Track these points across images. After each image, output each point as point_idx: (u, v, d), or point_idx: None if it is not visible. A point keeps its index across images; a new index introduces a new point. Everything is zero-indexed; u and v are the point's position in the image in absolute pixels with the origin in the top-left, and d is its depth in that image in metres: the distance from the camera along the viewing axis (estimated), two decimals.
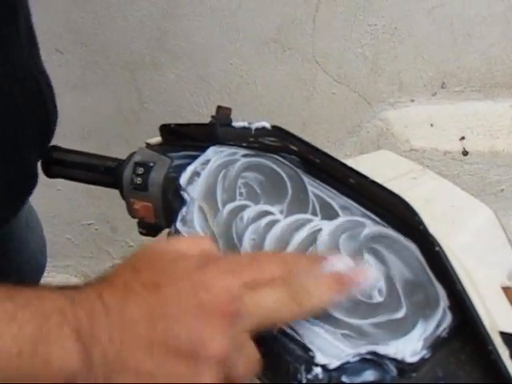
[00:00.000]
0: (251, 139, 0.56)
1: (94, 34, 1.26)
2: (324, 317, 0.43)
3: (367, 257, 0.46)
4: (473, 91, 1.33)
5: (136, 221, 0.61)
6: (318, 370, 0.40)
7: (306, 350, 0.41)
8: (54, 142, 0.70)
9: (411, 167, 0.58)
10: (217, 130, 0.57)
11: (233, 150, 0.56)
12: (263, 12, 1.23)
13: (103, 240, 1.56)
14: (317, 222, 0.50)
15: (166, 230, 0.56)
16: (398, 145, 1.31)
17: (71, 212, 1.50)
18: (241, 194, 0.53)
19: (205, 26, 1.24)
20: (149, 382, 0.35)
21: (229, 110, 0.61)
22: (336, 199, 0.50)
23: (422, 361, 0.40)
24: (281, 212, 0.51)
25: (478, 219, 0.52)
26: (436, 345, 0.40)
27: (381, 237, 0.47)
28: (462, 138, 1.31)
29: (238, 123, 0.57)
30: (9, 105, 0.56)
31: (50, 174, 0.69)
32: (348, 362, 0.40)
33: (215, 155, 0.56)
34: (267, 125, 0.55)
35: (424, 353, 0.40)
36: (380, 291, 0.44)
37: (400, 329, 0.41)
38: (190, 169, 0.55)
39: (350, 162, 0.51)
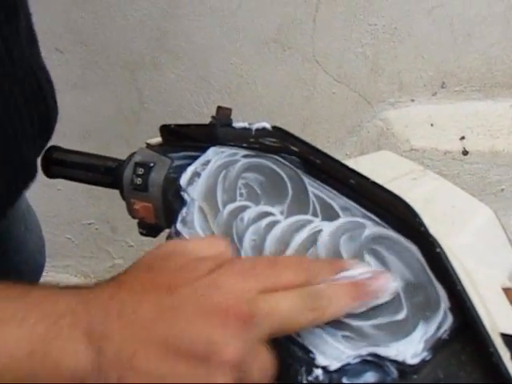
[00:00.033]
0: (251, 140, 0.56)
1: (94, 33, 1.26)
2: None
3: (368, 258, 0.46)
4: (473, 91, 1.33)
5: (136, 221, 0.61)
6: (318, 372, 0.40)
7: (307, 351, 0.41)
8: (54, 141, 0.70)
9: (411, 168, 0.58)
10: (217, 131, 0.57)
11: (233, 150, 0.56)
12: (263, 12, 1.23)
13: (103, 240, 1.56)
14: (317, 222, 0.49)
15: (167, 231, 0.56)
16: (398, 144, 1.31)
17: (71, 212, 1.51)
18: (241, 194, 0.53)
19: (205, 25, 1.24)
20: None
21: (229, 110, 0.61)
22: (336, 200, 0.50)
23: (423, 363, 0.40)
24: (281, 213, 0.51)
25: (479, 219, 0.52)
26: (437, 346, 0.40)
27: (381, 238, 0.47)
28: (462, 138, 1.31)
29: (238, 124, 0.57)
30: (9, 103, 0.56)
31: (50, 175, 0.68)
32: (349, 364, 0.40)
33: (215, 156, 0.56)
34: (268, 125, 0.55)
35: (425, 354, 0.40)
36: None
37: (401, 330, 0.41)
38: (190, 169, 0.55)
39: (350, 163, 0.51)
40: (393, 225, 0.47)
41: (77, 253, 1.58)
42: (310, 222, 0.50)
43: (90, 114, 1.36)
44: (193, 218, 0.52)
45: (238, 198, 0.53)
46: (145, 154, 0.60)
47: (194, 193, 0.54)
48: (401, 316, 0.42)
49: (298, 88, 1.32)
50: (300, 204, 0.51)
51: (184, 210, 0.53)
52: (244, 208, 0.52)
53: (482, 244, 0.49)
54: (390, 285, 0.42)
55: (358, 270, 0.42)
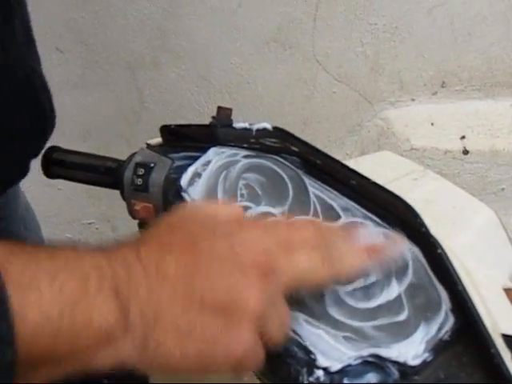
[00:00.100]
0: (252, 140, 0.56)
1: (95, 33, 1.26)
2: (326, 319, 0.43)
3: None
4: (473, 90, 1.32)
5: (137, 221, 0.61)
6: (319, 373, 0.40)
7: (308, 352, 0.41)
8: (54, 141, 0.70)
9: (412, 168, 0.58)
10: (217, 131, 0.57)
11: (234, 151, 0.56)
12: (263, 11, 1.22)
13: (104, 239, 1.56)
14: None
15: None
16: (398, 144, 1.31)
17: (72, 211, 1.50)
18: (242, 195, 0.53)
19: (205, 25, 1.24)
20: (187, 338, 0.35)
21: (229, 110, 0.61)
22: (337, 200, 0.50)
23: (424, 364, 0.40)
24: (282, 213, 0.51)
25: (479, 220, 0.52)
26: (438, 347, 0.40)
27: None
28: (463, 137, 1.30)
29: (238, 124, 0.57)
30: (2, 105, 0.56)
31: (50, 175, 0.68)
32: (350, 365, 0.40)
33: (216, 156, 0.56)
34: (268, 126, 0.55)
35: (426, 355, 0.40)
36: None
37: (402, 331, 0.41)
38: (190, 170, 0.55)
39: (351, 163, 0.51)
40: (393, 225, 0.47)
41: None
42: None
43: (90, 113, 1.36)
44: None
45: (239, 198, 0.53)
46: (145, 154, 0.60)
47: (194, 193, 0.54)
48: (402, 317, 0.42)
49: (298, 87, 1.31)
50: (301, 204, 0.51)
51: None
52: (245, 208, 0.52)
53: (483, 244, 0.49)
54: (401, 249, 0.44)
55: (370, 233, 0.44)
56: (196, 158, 0.56)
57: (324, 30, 1.25)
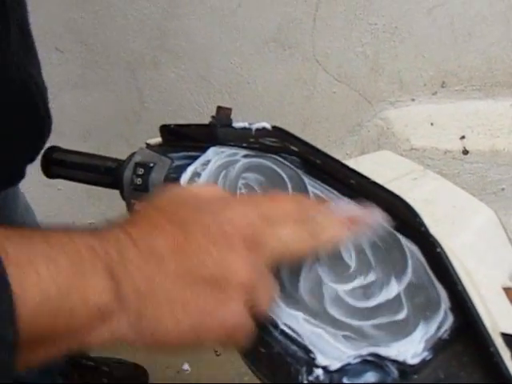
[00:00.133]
0: (252, 140, 0.56)
1: (95, 33, 1.26)
2: (325, 318, 0.43)
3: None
4: (473, 90, 1.33)
5: None
6: (319, 372, 0.40)
7: (307, 351, 0.41)
8: (54, 141, 0.70)
9: (412, 168, 0.58)
10: (217, 131, 0.57)
11: (233, 150, 0.56)
12: (263, 11, 1.23)
13: None
14: None
15: None
16: (398, 144, 1.31)
17: (71, 211, 1.51)
18: (241, 194, 0.53)
19: (205, 25, 1.24)
20: (180, 312, 0.36)
21: (229, 110, 0.61)
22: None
23: (424, 362, 0.40)
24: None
25: (479, 220, 0.52)
26: (437, 346, 0.40)
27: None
28: (463, 137, 1.31)
29: (238, 124, 0.57)
30: None
31: (50, 175, 0.68)
32: (349, 364, 0.40)
33: (215, 156, 0.56)
34: (268, 125, 0.55)
35: (425, 354, 0.40)
36: None
37: (401, 330, 0.41)
38: (190, 169, 0.55)
39: (350, 163, 0.51)
40: (393, 225, 0.47)
41: None
42: None
43: (90, 113, 1.36)
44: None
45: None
46: (145, 154, 0.60)
47: None
48: (401, 316, 0.42)
49: (298, 87, 1.32)
50: None
51: None
52: None
53: (483, 244, 0.49)
54: (378, 218, 0.46)
55: (348, 206, 0.46)
56: (195, 158, 0.56)
57: (324, 30, 1.25)
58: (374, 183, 0.48)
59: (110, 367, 1.32)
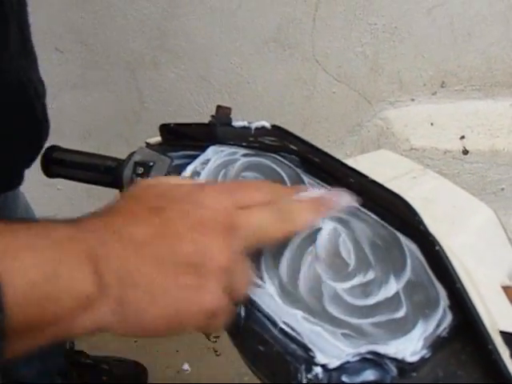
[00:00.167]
0: (251, 139, 0.56)
1: (94, 33, 1.26)
2: (324, 316, 0.43)
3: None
4: (473, 90, 1.33)
5: None
6: (318, 370, 0.40)
7: (306, 349, 0.41)
8: (54, 141, 0.70)
9: (411, 167, 0.58)
10: (216, 130, 0.57)
11: (233, 149, 0.56)
12: (263, 11, 1.23)
13: None
14: None
15: None
16: (398, 144, 1.31)
17: (71, 211, 1.50)
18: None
19: (205, 25, 1.24)
20: (161, 297, 0.37)
21: (229, 109, 0.61)
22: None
23: (422, 360, 0.40)
24: None
25: (479, 219, 0.52)
26: (436, 344, 0.40)
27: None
28: (462, 137, 1.31)
29: (237, 123, 0.57)
30: None
31: (49, 174, 0.68)
32: (348, 362, 0.40)
33: (215, 155, 0.56)
34: (267, 124, 0.55)
35: (424, 352, 0.40)
36: None
37: (400, 328, 0.41)
38: (189, 168, 0.55)
39: (350, 162, 0.51)
40: (392, 223, 0.47)
41: None
42: None
43: (90, 113, 1.36)
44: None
45: None
46: (144, 153, 0.60)
47: None
48: (400, 314, 0.42)
49: (297, 87, 1.32)
50: None
51: None
52: None
53: (482, 243, 0.49)
54: (345, 198, 0.48)
55: (318, 191, 0.48)
56: (195, 157, 0.56)
57: (323, 30, 1.25)
58: (374, 182, 0.48)
59: (109, 365, 1.32)
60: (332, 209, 0.47)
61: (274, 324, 0.43)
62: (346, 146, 1.39)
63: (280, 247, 0.48)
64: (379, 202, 0.48)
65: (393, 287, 0.44)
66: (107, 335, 0.38)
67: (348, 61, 1.28)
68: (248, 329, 0.44)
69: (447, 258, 0.42)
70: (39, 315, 0.33)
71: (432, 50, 1.27)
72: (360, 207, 0.49)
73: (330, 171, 0.52)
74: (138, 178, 0.56)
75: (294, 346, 0.42)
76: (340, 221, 0.49)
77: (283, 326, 0.42)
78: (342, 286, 0.44)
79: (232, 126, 0.57)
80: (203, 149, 0.57)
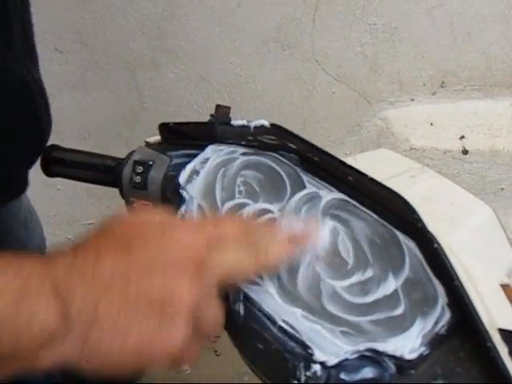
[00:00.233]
0: (250, 137, 0.56)
1: (94, 33, 1.26)
2: (323, 314, 0.43)
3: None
4: (473, 90, 1.33)
5: None
6: (316, 367, 0.40)
7: (305, 347, 0.41)
8: (54, 141, 0.70)
9: (410, 165, 0.58)
10: (216, 129, 0.57)
11: (232, 148, 0.56)
12: (262, 11, 1.23)
13: None
14: None
15: None
16: (397, 144, 1.31)
17: (71, 211, 1.51)
18: (240, 192, 0.53)
19: (204, 25, 1.25)
20: (124, 336, 0.37)
21: (228, 108, 0.61)
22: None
23: (421, 358, 0.40)
24: (280, 210, 0.51)
25: (477, 217, 0.52)
26: (434, 342, 0.40)
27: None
28: (462, 137, 1.31)
29: (236, 121, 0.57)
30: None
31: (49, 173, 0.69)
32: (346, 359, 0.40)
33: (214, 154, 0.56)
34: (266, 123, 0.55)
35: (422, 350, 0.40)
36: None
37: (398, 326, 0.41)
38: (189, 167, 0.55)
39: (349, 160, 0.51)
40: (391, 221, 0.47)
41: None
42: None
43: (90, 114, 1.36)
44: (192, 216, 0.52)
45: (237, 195, 0.53)
46: (144, 152, 0.60)
47: (192, 191, 0.54)
48: (398, 311, 0.42)
49: (297, 87, 1.32)
50: None
51: (183, 208, 0.53)
52: (243, 205, 0.52)
53: (481, 241, 0.49)
54: (323, 236, 0.47)
55: (292, 225, 0.47)
56: (194, 156, 0.56)
57: (323, 30, 1.25)
58: (373, 180, 0.48)
59: None
60: (307, 244, 0.47)
61: (273, 322, 0.43)
62: (345, 146, 1.39)
63: None
64: (378, 201, 0.48)
65: (391, 285, 0.44)
66: None
67: (348, 61, 1.28)
68: (247, 327, 0.44)
69: (445, 255, 0.42)
70: None
71: (432, 49, 1.27)
72: (359, 205, 0.49)
73: (329, 170, 0.52)
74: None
75: (292, 344, 0.42)
76: (339, 219, 0.49)
77: (282, 324, 0.43)
78: (340, 284, 0.45)
79: (231, 125, 0.57)
80: (202, 148, 0.57)
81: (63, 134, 1.32)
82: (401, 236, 0.46)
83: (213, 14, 1.23)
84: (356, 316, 0.42)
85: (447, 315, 0.41)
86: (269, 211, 0.51)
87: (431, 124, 1.32)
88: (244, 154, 0.56)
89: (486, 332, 0.39)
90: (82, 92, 1.33)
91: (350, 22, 1.24)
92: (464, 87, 1.32)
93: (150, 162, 0.58)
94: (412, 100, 1.34)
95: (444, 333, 0.41)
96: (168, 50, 1.27)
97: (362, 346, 0.40)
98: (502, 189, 1.35)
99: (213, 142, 0.57)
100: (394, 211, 0.47)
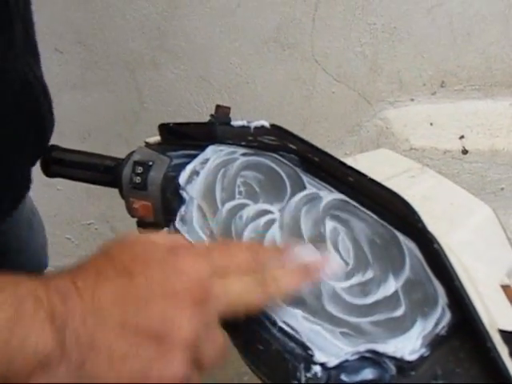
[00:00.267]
0: (250, 138, 0.56)
1: (94, 33, 1.26)
2: (323, 315, 0.43)
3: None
4: (472, 90, 1.33)
5: (136, 220, 0.61)
6: (317, 369, 0.40)
7: (305, 348, 0.41)
8: (54, 141, 0.70)
9: (410, 165, 0.58)
10: (216, 129, 0.57)
11: (232, 148, 0.56)
12: (262, 11, 1.23)
13: (103, 240, 1.55)
14: None
15: (165, 229, 0.56)
16: (397, 144, 1.31)
17: (71, 212, 1.51)
18: (240, 192, 0.53)
19: (204, 25, 1.24)
20: (120, 364, 0.36)
21: (228, 108, 0.61)
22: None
23: (421, 359, 0.40)
24: (280, 211, 0.51)
25: (477, 217, 0.52)
26: (435, 343, 0.40)
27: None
28: (462, 137, 1.31)
29: (236, 122, 0.57)
30: (2, 115, 0.56)
31: (49, 174, 0.69)
32: (347, 361, 0.40)
33: (214, 154, 0.56)
34: (266, 123, 0.55)
35: (423, 351, 0.40)
36: None
37: (399, 327, 0.41)
38: (189, 168, 0.55)
39: (349, 161, 0.51)
40: (391, 222, 0.47)
41: (77, 253, 1.58)
42: None
43: (89, 113, 1.36)
44: (191, 217, 0.52)
45: (237, 196, 0.53)
46: (144, 152, 0.60)
47: (192, 191, 0.54)
48: (399, 312, 0.42)
49: (297, 87, 1.32)
50: None
51: (183, 209, 0.53)
52: (243, 206, 0.52)
53: (481, 241, 0.49)
54: (335, 264, 0.45)
55: (304, 252, 0.45)
56: (194, 156, 0.56)
57: (323, 30, 1.25)
58: (372, 181, 0.48)
59: None
60: (318, 276, 0.44)
61: (274, 323, 0.43)
62: (345, 146, 1.39)
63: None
64: (378, 201, 0.48)
65: (392, 286, 0.44)
66: None
67: (347, 61, 1.28)
68: (247, 328, 0.44)
69: (445, 255, 0.42)
70: None
71: (431, 49, 1.27)
72: (359, 206, 0.49)
73: (329, 170, 0.52)
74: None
75: (292, 345, 0.42)
76: (339, 220, 0.49)
77: (282, 325, 0.43)
78: (341, 285, 0.45)
79: (231, 126, 0.57)
80: (202, 148, 0.57)
81: (63, 134, 1.31)
82: (401, 236, 0.46)
83: (213, 13, 1.23)
84: (356, 317, 0.42)
85: (447, 316, 0.41)
86: (269, 212, 0.51)
87: (431, 124, 1.32)
88: (244, 154, 0.56)
89: (487, 332, 0.39)
90: (82, 92, 1.33)
91: (349, 22, 1.24)
92: (464, 87, 1.32)
93: (150, 163, 0.58)
94: (412, 100, 1.34)
95: (444, 334, 0.41)
96: (168, 49, 1.27)
97: (363, 347, 0.40)
98: (502, 189, 1.35)
99: (213, 143, 0.57)
100: (394, 212, 0.47)
